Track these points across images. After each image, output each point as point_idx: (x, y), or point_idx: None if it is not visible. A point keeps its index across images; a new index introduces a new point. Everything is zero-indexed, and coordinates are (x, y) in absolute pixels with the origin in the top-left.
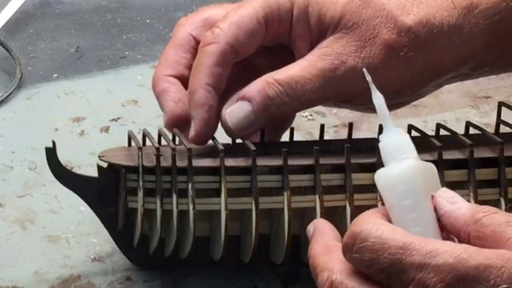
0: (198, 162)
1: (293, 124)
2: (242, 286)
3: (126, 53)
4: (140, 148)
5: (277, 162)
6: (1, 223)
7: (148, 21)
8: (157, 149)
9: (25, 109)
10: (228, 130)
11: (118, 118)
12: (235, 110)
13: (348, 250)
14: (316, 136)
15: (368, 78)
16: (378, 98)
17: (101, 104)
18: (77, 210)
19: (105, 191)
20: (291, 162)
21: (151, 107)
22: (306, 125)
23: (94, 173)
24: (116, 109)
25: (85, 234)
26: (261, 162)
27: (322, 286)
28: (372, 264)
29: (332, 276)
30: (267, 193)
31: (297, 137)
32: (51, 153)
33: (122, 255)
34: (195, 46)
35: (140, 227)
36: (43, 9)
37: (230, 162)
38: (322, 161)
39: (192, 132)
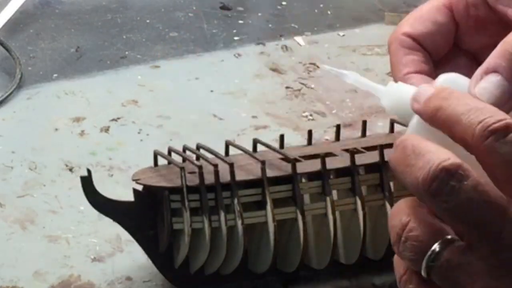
0: (237, 176)
1: (293, 125)
2: (242, 286)
3: (126, 53)
4: (182, 168)
5: (315, 168)
6: (1, 223)
7: (148, 21)
8: (200, 167)
9: (25, 109)
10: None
11: (118, 118)
12: (484, 85)
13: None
14: (317, 136)
15: (329, 67)
16: (351, 75)
17: (101, 104)
18: (77, 210)
19: (142, 214)
20: (329, 166)
21: (151, 107)
22: (306, 125)
23: (93, 172)
24: (116, 109)
25: (85, 234)
26: (301, 169)
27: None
28: None
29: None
30: (307, 200)
31: (297, 137)
32: (87, 182)
33: (122, 255)
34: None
35: (187, 247)
36: (43, 9)
37: (269, 172)
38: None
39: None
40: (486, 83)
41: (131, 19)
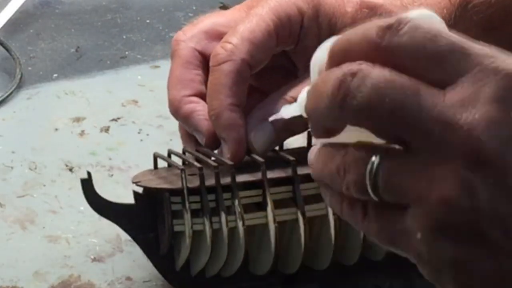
0: (238, 178)
1: None
2: (242, 286)
3: (126, 53)
4: (182, 170)
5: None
6: (1, 223)
7: (148, 21)
8: (200, 169)
9: (25, 109)
10: (253, 151)
11: (118, 118)
12: (259, 134)
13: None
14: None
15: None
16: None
17: (101, 104)
18: (77, 210)
19: (143, 216)
20: None
21: (151, 107)
22: None
23: (93, 172)
24: (116, 109)
25: (85, 234)
26: (300, 171)
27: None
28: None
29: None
30: (309, 201)
31: (297, 138)
32: (87, 184)
33: (122, 255)
34: (203, 61)
35: (188, 249)
36: (43, 9)
37: (269, 174)
38: None
39: (227, 154)
40: (261, 131)
41: (131, 19)
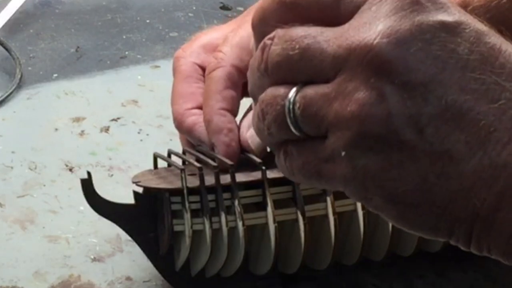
0: (237, 177)
1: None
2: (242, 286)
3: (126, 53)
4: (182, 170)
5: None
6: (1, 223)
7: (148, 21)
8: (200, 169)
9: (25, 109)
10: (250, 151)
11: (118, 118)
12: (253, 133)
13: None
14: None
15: None
16: None
17: (101, 104)
18: (77, 210)
19: (143, 216)
20: None
21: (151, 107)
22: None
23: (93, 172)
24: (116, 109)
25: (85, 234)
26: None
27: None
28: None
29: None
30: (309, 201)
31: None
32: (87, 184)
33: (122, 255)
34: (203, 74)
35: (188, 249)
36: (43, 9)
37: (269, 173)
38: None
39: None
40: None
41: (131, 19)
